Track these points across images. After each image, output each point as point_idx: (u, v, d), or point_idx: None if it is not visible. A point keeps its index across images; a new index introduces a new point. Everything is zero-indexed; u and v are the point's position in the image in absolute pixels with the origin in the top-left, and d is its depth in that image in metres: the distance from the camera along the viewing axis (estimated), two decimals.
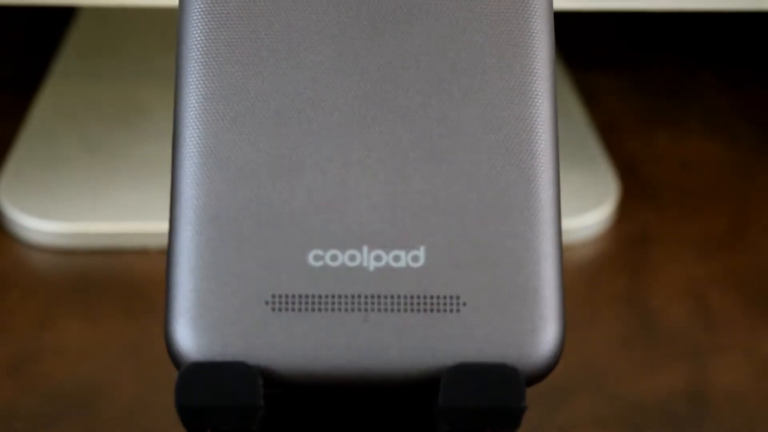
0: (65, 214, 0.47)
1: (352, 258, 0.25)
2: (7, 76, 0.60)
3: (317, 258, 0.25)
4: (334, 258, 0.25)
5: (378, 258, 0.25)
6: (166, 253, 0.26)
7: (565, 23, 0.48)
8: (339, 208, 0.26)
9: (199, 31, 0.27)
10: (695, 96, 0.60)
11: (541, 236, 0.26)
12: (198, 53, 0.27)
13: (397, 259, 0.25)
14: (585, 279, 0.46)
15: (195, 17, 0.27)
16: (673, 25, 0.66)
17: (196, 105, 0.26)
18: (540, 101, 0.27)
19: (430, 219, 0.26)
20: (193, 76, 0.26)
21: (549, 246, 0.26)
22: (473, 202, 0.26)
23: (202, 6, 0.27)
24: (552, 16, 0.27)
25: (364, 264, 0.25)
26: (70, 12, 0.64)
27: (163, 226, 0.45)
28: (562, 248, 0.26)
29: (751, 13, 0.52)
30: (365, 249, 0.25)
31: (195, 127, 0.26)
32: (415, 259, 0.25)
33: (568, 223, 0.47)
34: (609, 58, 0.64)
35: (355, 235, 0.26)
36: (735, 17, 0.59)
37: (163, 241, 0.45)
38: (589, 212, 0.48)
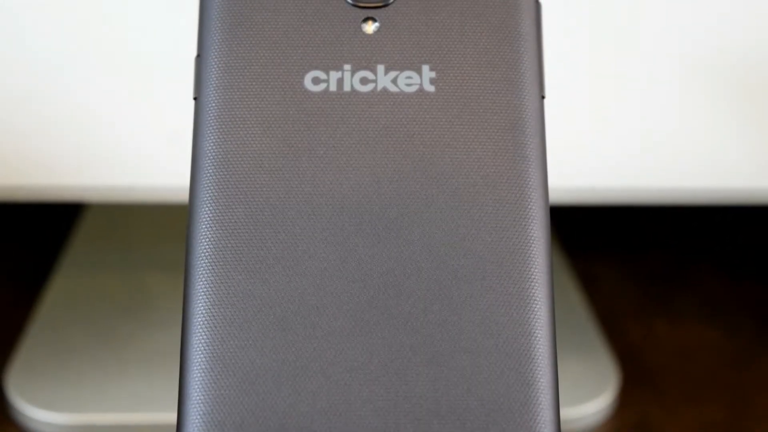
0: (72, 406, 0.47)
1: None
2: (17, 267, 0.61)
3: None
4: None
5: None
6: None
7: (564, 211, 0.49)
8: (343, 413, 0.26)
9: (207, 241, 0.27)
10: (692, 284, 0.61)
11: None
12: (206, 261, 0.27)
13: None
14: None
15: (203, 227, 0.27)
16: (669, 214, 0.67)
17: (203, 311, 0.27)
18: (538, 306, 0.27)
19: (431, 423, 0.26)
20: (201, 283, 0.27)
21: None
22: (473, 407, 0.26)
23: (210, 215, 0.27)
24: (549, 222, 0.28)
25: None
26: (78, 203, 0.65)
27: (170, 417, 0.45)
28: None
29: (745, 207, 0.53)
30: None
31: (202, 333, 0.27)
32: None
33: (568, 413, 0.47)
34: (608, 246, 0.65)
35: None
36: (729, 209, 0.60)
37: None
38: (590, 401, 0.48)
